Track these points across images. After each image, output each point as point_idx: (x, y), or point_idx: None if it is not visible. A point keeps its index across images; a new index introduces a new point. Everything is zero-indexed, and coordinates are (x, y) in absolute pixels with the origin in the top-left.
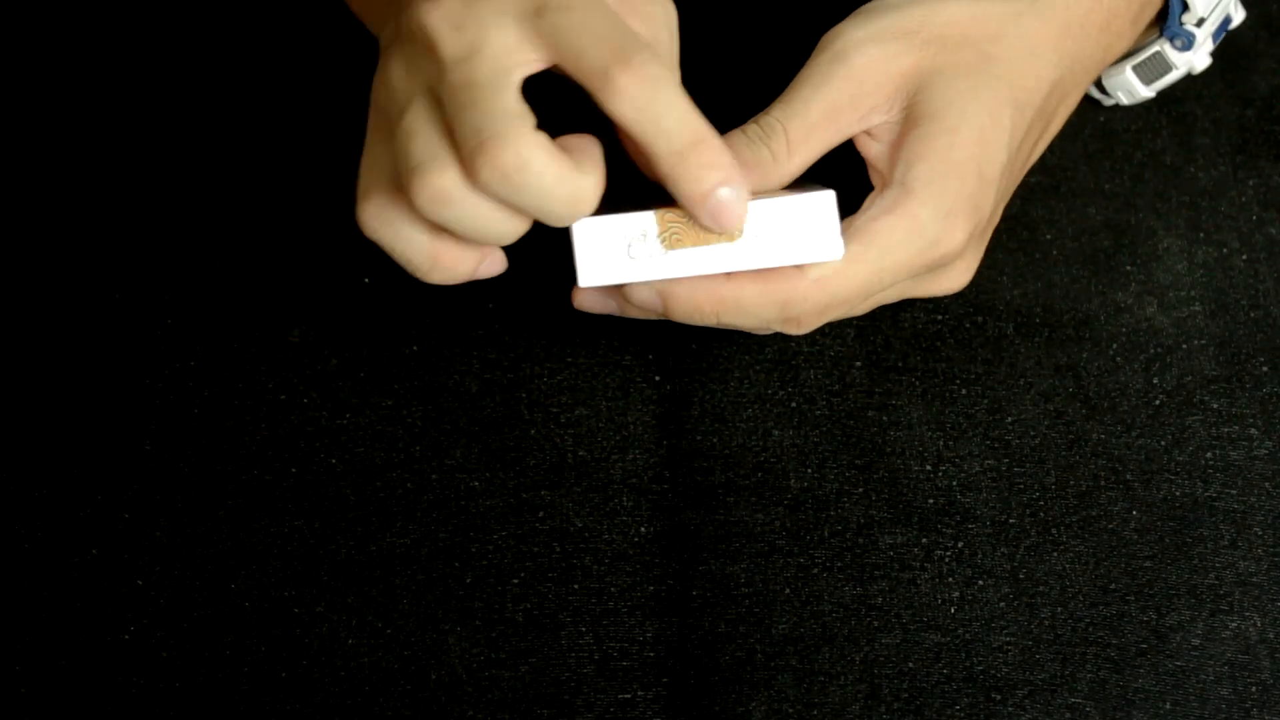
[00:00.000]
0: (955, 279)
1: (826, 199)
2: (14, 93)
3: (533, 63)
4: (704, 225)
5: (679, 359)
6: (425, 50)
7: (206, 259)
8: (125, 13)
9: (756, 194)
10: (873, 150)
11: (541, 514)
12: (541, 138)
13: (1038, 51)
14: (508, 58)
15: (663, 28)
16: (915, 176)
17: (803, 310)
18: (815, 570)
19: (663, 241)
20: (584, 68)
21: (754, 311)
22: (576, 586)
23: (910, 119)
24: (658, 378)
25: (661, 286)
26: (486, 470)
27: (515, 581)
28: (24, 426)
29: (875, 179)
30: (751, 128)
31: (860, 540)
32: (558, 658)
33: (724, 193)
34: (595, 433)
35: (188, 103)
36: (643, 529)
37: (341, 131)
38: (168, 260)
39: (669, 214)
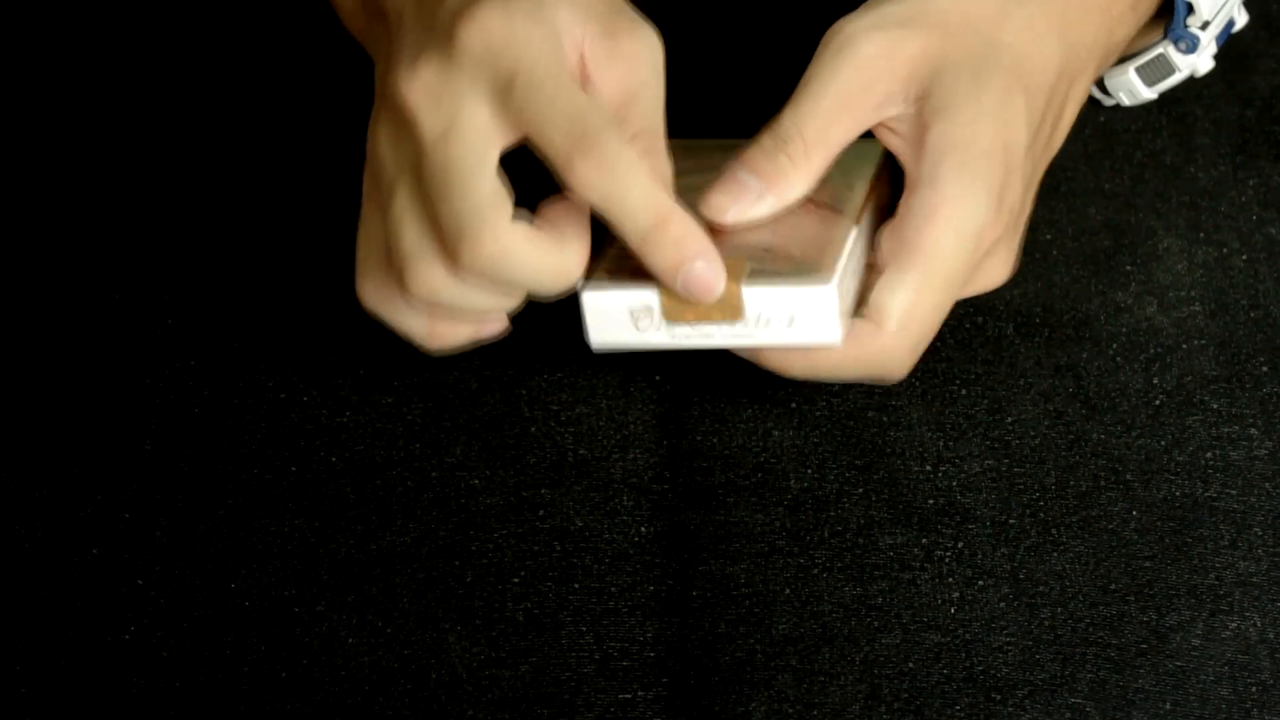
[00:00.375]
0: (996, 273)
1: (827, 292)
2: (14, 93)
3: (506, 137)
4: (681, 297)
5: (680, 358)
6: (406, 124)
7: (206, 259)
8: (126, 13)
9: (759, 275)
10: (894, 144)
11: (542, 512)
12: (520, 221)
13: (1041, 36)
14: (482, 136)
15: (647, 68)
16: (945, 172)
17: (894, 360)
18: (815, 570)
19: (665, 315)
20: (549, 150)
21: (848, 370)
22: (577, 586)
23: (926, 113)
24: (658, 377)
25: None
26: (486, 468)
27: (515, 580)
28: (24, 426)
29: (906, 175)
30: (765, 138)
31: (860, 540)
32: (558, 657)
33: (695, 266)
34: (596, 431)
35: (188, 103)
36: (643, 529)
37: (341, 131)
38: (168, 260)
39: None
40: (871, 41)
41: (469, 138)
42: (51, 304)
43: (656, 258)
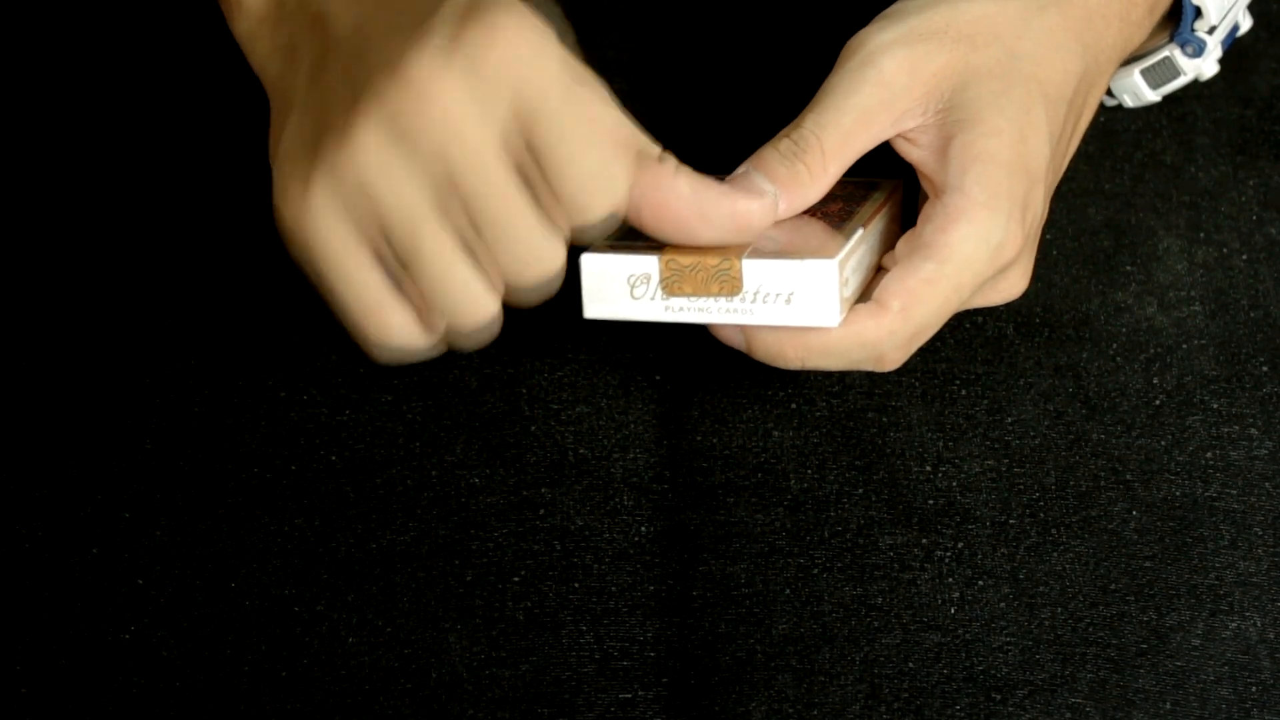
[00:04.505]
0: (1014, 285)
1: (828, 268)
2: (16, 93)
3: None
4: (680, 268)
5: (680, 358)
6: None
7: (206, 258)
8: (132, 14)
9: (763, 251)
10: (914, 155)
11: (542, 511)
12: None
13: (1062, 45)
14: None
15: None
16: (972, 181)
17: (893, 344)
18: (815, 570)
19: (664, 287)
20: None
21: (842, 353)
22: (577, 585)
23: (951, 123)
24: (658, 376)
25: (746, 329)
26: (486, 467)
27: (516, 580)
28: (24, 426)
29: (926, 185)
30: (784, 143)
31: (860, 541)
32: (558, 657)
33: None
34: (596, 430)
35: (188, 103)
36: (643, 528)
37: None
38: (167, 260)
39: (673, 259)
40: (895, 57)
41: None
42: (51, 304)
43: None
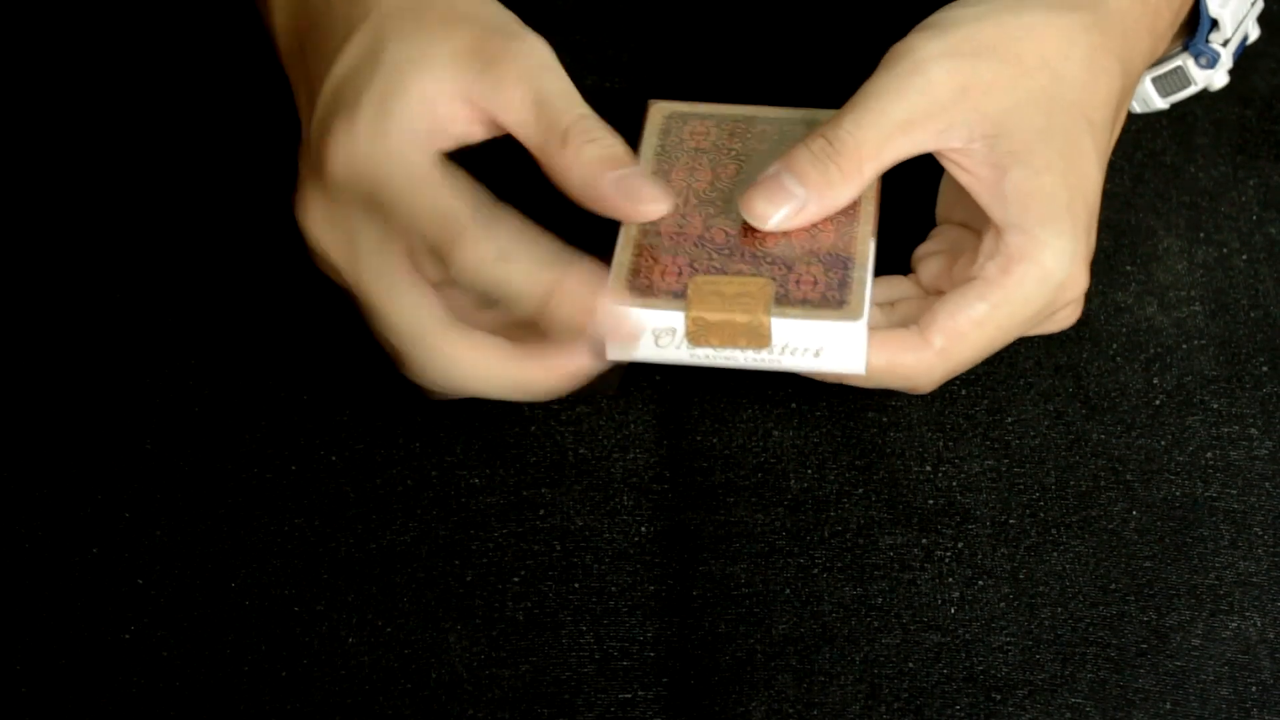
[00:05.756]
0: (1069, 317)
1: (857, 330)
2: (17, 93)
3: (403, 242)
4: (706, 323)
5: None
6: (318, 254)
7: (206, 258)
8: (128, 13)
9: (786, 304)
10: (966, 181)
11: (542, 512)
12: (461, 330)
13: (1105, 67)
14: (381, 254)
15: (538, 72)
16: (1032, 220)
17: (928, 379)
18: (815, 570)
19: (690, 339)
20: (432, 248)
21: (878, 381)
22: (577, 585)
23: (1000, 155)
24: (658, 377)
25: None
26: (486, 467)
27: (516, 580)
28: (24, 426)
29: (980, 212)
30: (817, 143)
31: (860, 540)
32: (558, 657)
33: (599, 324)
34: (596, 430)
35: (188, 103)
36: (643, 528)
37: None
38: (168, 260)
39: (698, 315)
40: (944, 68)
41: (372, 260)
42: (51, 304)
43: (556, 329)
